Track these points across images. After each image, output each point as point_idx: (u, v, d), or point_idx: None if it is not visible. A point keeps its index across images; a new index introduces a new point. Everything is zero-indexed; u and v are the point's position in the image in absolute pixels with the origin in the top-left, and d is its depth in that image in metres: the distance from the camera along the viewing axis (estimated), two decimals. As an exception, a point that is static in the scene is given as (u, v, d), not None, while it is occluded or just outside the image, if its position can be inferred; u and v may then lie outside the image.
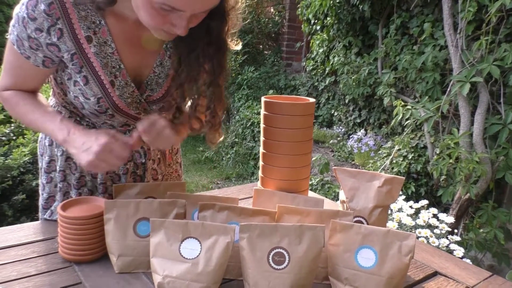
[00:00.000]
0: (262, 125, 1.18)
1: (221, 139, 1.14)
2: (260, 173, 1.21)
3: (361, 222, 1.09)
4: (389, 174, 1.12)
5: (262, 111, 1.17)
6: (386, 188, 1.10)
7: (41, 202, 1.17)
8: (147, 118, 0.95)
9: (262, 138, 1.18)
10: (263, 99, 1.16)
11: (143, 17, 0.83)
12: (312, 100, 1.18)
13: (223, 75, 1.01)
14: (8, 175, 1.79)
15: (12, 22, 0.90)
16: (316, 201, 1.09)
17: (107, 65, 0.95)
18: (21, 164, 1.84)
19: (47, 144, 1.14)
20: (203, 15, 0.85)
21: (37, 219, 1.21)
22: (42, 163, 1.15)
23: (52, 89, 1.09)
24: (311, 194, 1.33)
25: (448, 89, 2.56)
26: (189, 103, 1.08)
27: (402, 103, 2.66)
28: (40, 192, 1.18)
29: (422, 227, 2.00)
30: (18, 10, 0.87)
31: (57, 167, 1.12)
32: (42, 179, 1.16)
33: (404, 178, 1.12)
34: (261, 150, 1.20)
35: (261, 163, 1.21)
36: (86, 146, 0.88)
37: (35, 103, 1.00)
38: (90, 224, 0.95)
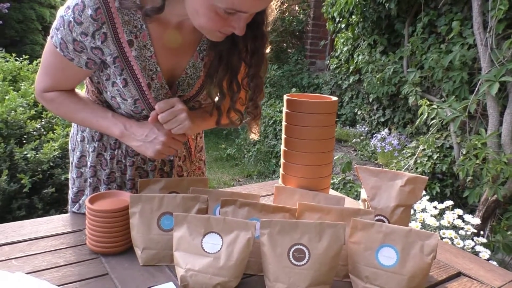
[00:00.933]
0: (284, 123, 1.18)
1: (259, 133, 1.16)
2: (281, 170, 1.22)
3: (383, 221, 1.08)
4: (412, 174, 1.11)
5: (284, 109, 1.17)
6: (409, 188, 1.09)
7: (70, 195, 1.21)
8: (166, 100, 0.99)
9: (284, 136, 1.19)
10: (285, 97, 1.17)
11: (202, 22, 0.85)
12: (334, 98, 1.17)
13: (264, 67, 1.03)
14: (39, 169, 1.86)
15: (55, 25, 0.91)
16: (337, 199, 1.09)
17: (145, 68, 0.98)
18: (51, 158, 1.91)
19: (79, 140, 1.18)
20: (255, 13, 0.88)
21: (65, 212, 1.26)
22: (73, 158, 1.19)
23: (86, 87, 1.13)
24: (332, 192, 1.33)
25: (476, 89, 2.50)
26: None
27: (428, 102, 2.61)
28: (70, 186, 1.22)
29: (447, 228, 1.96)
30: (64, 13, 0.89)
31: (88, 163, 1.15)
32: (72, 174, 1.20)
33: (427, 177, 1.11)
34: (283, 147, 1.20)
35: (282, 160, 1.21)
36: (150, 138, 0.98)
37: (82, 101, 1.04)
38: (116, 217, 0.98)
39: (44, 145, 1.92)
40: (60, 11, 0.90)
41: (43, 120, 2.15)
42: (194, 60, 1.05)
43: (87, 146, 1.15)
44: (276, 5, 1.01)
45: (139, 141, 0.99)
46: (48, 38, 0.96)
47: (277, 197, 1.12)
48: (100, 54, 0.93)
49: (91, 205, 0.98)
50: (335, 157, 3.28)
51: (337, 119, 4.78)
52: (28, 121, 2.03)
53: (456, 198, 2.80)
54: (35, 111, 2.15)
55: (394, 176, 1.10)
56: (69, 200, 1.22)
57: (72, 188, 1.20)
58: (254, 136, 1.16)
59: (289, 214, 0.98)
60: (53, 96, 1.03)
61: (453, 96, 2.67)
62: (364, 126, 4.28)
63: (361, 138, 4.01)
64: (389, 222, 1.08)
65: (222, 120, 1.09)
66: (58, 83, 1.02)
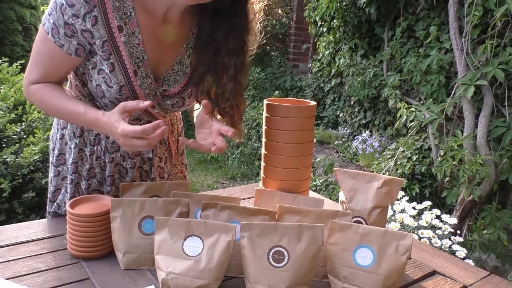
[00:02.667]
0: (264, 127, 1.21)
1: (242, 137, 1.18)
2: (262, 173, 1.24)
3: (360, 222, 1.11)
4: (388, 176, 1.14)
5: (264, 113, 1.20)
6: (385, 189, 1.12)
7: (48, 195, 1.22)
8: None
9: (264, 140, 1.21)
10: (265, 101, 1.19)
11: None
12: (313, 103, 1.20)
13: (243, 73, 1.08)
14: (19, 173, 1.84)
15: (48, 11, 0.94)
16: (316, 202, 1.11)
17: (133, 55, 1.00)
18: (31, 162, 1.88)
19: (58, 138, 1.19)
20: None
21: (46, 216, 1.26)
22: (53, 157, 1.20)
23: (69, 82, 1.14)
24: (312, 194, 1.35)
25: (453, 92, 2.57)
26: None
27: (406, 105, 2.67)
28: (48, 186, 1.22)
29: (425, 228, 2.01)
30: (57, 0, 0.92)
31: (70, 159, 1.16)
32: (51, 173, 1.21)
33: (403, 179, 1.15)
34: (263, 151, 1.22)
35: (263, 164, 1.24)
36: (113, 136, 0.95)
37: (64, 94, 1.04)
38: (97, 221, 0.99)
39: (25, 149, 1.90)
40: None
41: (23, 123, 2.12)
42: (181, 57, 1.08)
43: (69, 142, 1.16)
44: (259, 17, 1.06)
45: (109, 133, 0.97)
46: (40, 26, 0.98)
47: (257, 200, 1.14)
48: (89, 38, 0.95)
49: (72, 209, 0.98)
50: (317, 159, 3.32)
51: (320, 121, 4.83)
52: (8, 124, 2.01)
53: (435, 198, 2.87)
54: (15, 114, 2.13)
55: (371, 178, 1.13)
56: (48, 200, 1.22)
57: (50, 187, 1.21)
58: (236, 133, 1.18)
59: (269, 217, 1.00)
60: (36, 88, 1.03)
61: (431, 99, 2.74)
62: (346, 128, 4.34)
63: (343, 140, 4.07)
64: (366, 223, 1.11)
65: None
66: (46, 73, 1.02)
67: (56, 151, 1.18)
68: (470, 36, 2.51)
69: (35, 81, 1.03)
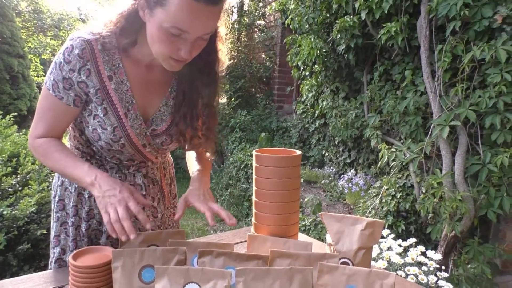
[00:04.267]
0: (254, 176, 1.30)
1: (213, 157, 1.38)
2: (253, 219, 1.32)
3: (347, 263, 1.19)
4: (370, 218, 1.23)
5: (254, 163, 1.29)
6: (368, 231, 1.20)
7: (51, 242, 1.29)
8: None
9: (254, 188, 1.30)
10: (254, 152, 1.29)
11: (157, 47, 1.03)
12: (298, 152, 1.30)
13: (216, 99, 1.26)
14: (14, 225, 1.87)
15: (49, 71, 1.10)
16: (305, 245, 1.19)
17: (123, 100, 1.14)
18: (27, 214, 1.93)
19: (59, 185, 1.28)
20: (203, 43, 1.06)
21: (41, 268, 1.30)
22: (54, 204, 1.28)
23: (69, 134, 1.26)
24: (301, 237, 1.43)
25: (430, 132, 2.72)
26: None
27: (387, 146, 2.81)
28: (50, 232, 1.29)
29: (411, 264, 2.08)
30: (56, 58, 1.09)
31: (70, 203, 1.25)
32: (52, 219, 1.28)
33: (383, 221, 1.24)
34: (254, 198, 1.31)
35: (254, 210, 1.32)
36: (109, 193, 1.04)
37: (64, 151, 1.15)
38: (99, 272, 1.04)
39: (21, 201, 1.94)
40: (55, 58, 1.10)
41: (18, 176, 2.18)
42: (167, 99, 1.23)
43: (69, 187, 1.26)
44: (235, 61, 1.24)
45: (100, 192, 1.05)
46: (43, 85, 1.12)
47: (250, 245, 1.21)
48: (85, 87, 1.10)
49: (74, 261, 1.04)
50: (305, 199, 3.40)
51: (306, 161, 4.94)
52: (4, 177, 2.06)
53: (420, 234, 2.95)
54: (11, 167, 2.18)
55: (355, 221, 1.22)
56: (50, 249, 1.28)
57: (51, 233, 1.29)
58: (209, 156, 1.37)
59: (262, 261, 1.07)
60: (40, 143, 1.14)
61: (410, 140, 2.88)
62: (332, 167, 4.45)
63: (330, 179, 4.17)
64: (353, 264, 1.18)
65: (188, 146, 1.30)
66: (49, 127, 1.14)
67: (56, 198, 1.27)
68: (442, 80, 2.69)
69: (40, 136, 1.15)
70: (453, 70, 2.70)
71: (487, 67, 2.46)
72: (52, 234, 1.29)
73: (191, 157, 1.42)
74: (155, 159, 1.31)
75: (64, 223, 1.28)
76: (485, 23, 2.46)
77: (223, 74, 1.27)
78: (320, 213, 1.28)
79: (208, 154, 1.38)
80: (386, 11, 2.98)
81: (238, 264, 1.06)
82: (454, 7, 2.52)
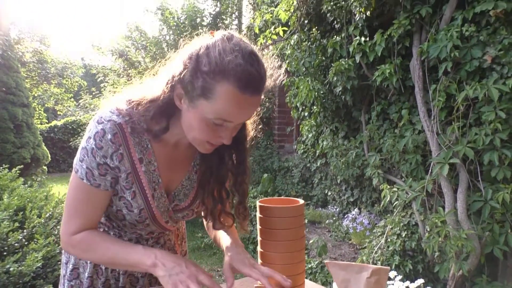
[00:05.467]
0: (258, 226, 1.32)
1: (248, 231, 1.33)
2: (260, 270, 1.33)
3: (355, 313, 1.19)
4: (376, 265, 1.24)
5: (258, 214, 1.31)
6: (374, 278, 1.21)
7: None
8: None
9: (259, 238, 1.32)
10: (257, 203, 1.31)
11: (196, 134, 1.01)
12: (301, 201, 1.33)
13: (248, 175, 1.21)
14: (20, 282, 1.86)
15: (78, 158, 1.04)
16: (314, 296, 1.19)
17: (150, 181, 1.11)
18: (34, 270, 1.93)
19: None
20: (239, 126, 1.06)
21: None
22: (66, 271, 1.27)
23: None
24: (308, 283, 1.43)
25: (430, 170, 2.75)
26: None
27: (388, 186, 2.83)
28: None
29: (421, 308, 2.05)
30: (85, 144, 1.02)
31: (86, 273, 1.22)
32: (63, 286, 1.27)
33: (389, 268, 1.25)
34: (259, 249, 1.32)
35: (259, 261, 1.33)
36: (175, 270, 0.99)
37: (109, 239, 1.10)
38: None
39: (27, 256, 1.95)
40: (82, 144, 1.04)
41: (24, 230, 2.20)
42: (189, 174, 1.21)
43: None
44: (253, 127, 1.22)
45: (165, 271, 1.00)
46: (72, 175, 1.07)
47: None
48: (117, 172, 1.06)
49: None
50: (311, 241, 3.38)
51: (309, 201, 4.94)
52: (10, 233, 2.08)
53: (428, 273, 2.91)
54: (17, 221, 2.21)
55: (360, 269, 1.23)
56: None
57: None
58: (244, 232, 1.31)
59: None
60: (82, 237, 1.08)
61: (410, 178, 2.91)
62: (335, 207, 4.45)
63: (334, 218, 4.16)
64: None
65: (217, 224, 1.25)
66: (87, 219, 1.09)
67: (70, 266, 1.25)
68: (438, 118, 2.75)
69: (78, 230, 1.08)
70: (448, 108, 2.77)
71: (481, 105, 2.53)
72: None
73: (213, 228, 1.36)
74: (173, 228, 1.29)
75: None
76: (476, 64, 2.56)
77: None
78: (325, 261, 1.30)
79: (243, 231, 1.31)
80: (379, 54, 3.09)
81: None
82: (445, 49, 2.62)
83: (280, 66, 1.15)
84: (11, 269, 1.84)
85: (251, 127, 1.21)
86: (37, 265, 1.91)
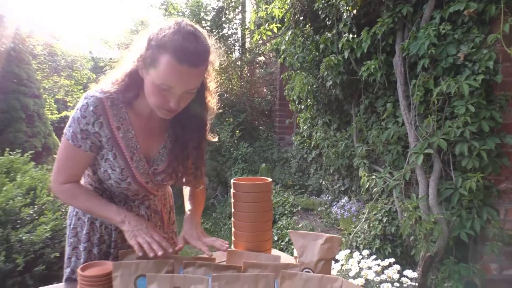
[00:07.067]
0: (232, 200, 1.55)
1: (202, 186, 1.62)
2: (232, 237, 1.56)
3: (309, 272, 1.42)
4: (330, 234, 1.46)
5: (232, 190, 1.55)
6: (327, 245, 1.43)
7: (65, 261, 1.54)
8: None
9: (232, 210, 1.55)
10: (232, 180, 1.55)
11: (152, 99, 1.26)
12: (269, 180, 1.56)
13: (203, 142, 1.50)
14: (31, 249, 2.13)
15: (68, 124, 1.32)
16: (274, 258, 1.42)
17: (129, 146, 1.38)
18: (43, 239, 2.19)
19: (73, 215, 1.53)
20: (189, 96, 1.29)
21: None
22: (69, 231, 1.53)
23: (84, 174, 1.50)
24: (274, 252, 1.66)
25: (407, 160, 2.95)
26: None
27: (367, 174, 3.05)
28: (65, 254, 1.55)
29: (388, 282, 2.27)
30: (74, 114, 1.31)
31: (83, 231, 1.50)
32: (67, 243, 1.54)
33: (341, 237, 1.47)
34: (233, 219, 1.56)
35: (233, 229, 1.56)
36: (137, 228, 1.31)
37: (92, 195, 1.41)
38: (102, 281, 1.28)
39: (38, 228, 2.21)
40: (72, 114, 1.33)
41: (35, 206, 2.46)
42: (165, 143, 1.48)
43: (82, 217, 1.51)
44: (214, 90, 1.47)
45: (129, 227, 1.31)
46: (62, 138, 1.36)
47: (229, 259, 1.44)
48: (98, 137, 1.33)
49: (83, 272, 1.29)
50: (299, 225, 3.61)
51: (304, 190, 5.17)
52: (23, 208, 2.34)
53: (407, 257, 3.13)
54: (29, 198, 2.47)
55: (316, 237, 1.45)
56: (64, 265, 1.54)
57: (65, 255, 1.54)
58: (196, 189, 1.62)
59: (236, 271, 1.30)
60: (69, 187, 1.38)
61: (388, 167, 3.12)
62: (328, 195, 4.67)
63: (326, 206, 4.38)
64: (314, 273, 1.41)
65: (179, 183, 1.55)
66: (72, 172, 1.38)
67: (71, 226, 1.52)
68: (417, 112, 2.94)
69: (64, 181, 1.38)
70: (426, 102, 2.96)
71: (455, 100, 2.72)
72: (66, 256, 1.54)
73: (185, 195, 1.67)
74: (157, 192, 1.56)
75: (75, 248, 1.52)
76: (450, 60, 2.74)
77: (225, 109, 1.55)
78: (288, 231, 1.52)
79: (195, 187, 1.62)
80: (365, 50, 3.28)
81: (216, 273, 1.29)
82: (423, 46, 2.81)
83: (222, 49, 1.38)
84: (23, 238, 2.11)
85: (214, 104, 1.48)
86: (46, 235, 2.18)
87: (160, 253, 1.27)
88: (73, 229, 1.53)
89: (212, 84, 1.44)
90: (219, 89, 1.49)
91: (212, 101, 1.46)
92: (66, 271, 1.53)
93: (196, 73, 1.23)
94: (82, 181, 1.51)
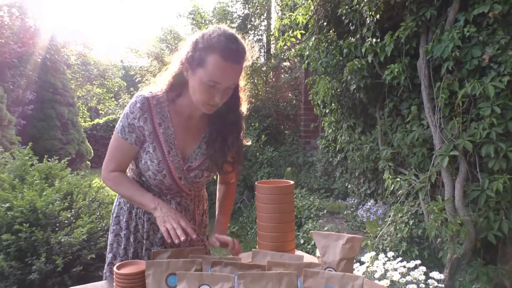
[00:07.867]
0: (256, 203, 1.62)
1: (233, 180, 1.80)
2: (257, 239, 1.64)
3: (332, 271, 1.47)
4: (351, 235, 1.51)
5: (256, 193, 1.62)
6: (349, 245, 1.48)
7: (108, 247, 1.69)
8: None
9: (257, 212, 1.62)
10: (256, 183, 1.62)
11: (198, 96, 1.41)
12: (291, 182, 1.63)
13: (241, 137, 1.63)
14: (69, 251, 2.27)
15: (119, 120, 1.51)
16: (297, 257, 1.48)
17: (167, 141, 1.52)
18: (80, 242, 2.33)
19: (117, 204, 1.68)
20: (230, 91, 1.44)
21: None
22: (112, 220, 1.68)
23: (129, 167, 1.66)
24: (297, 252, 1.72)
25: (432, 162, 2.95)
26: None
27: (391, 176, 3.05)
28: (108, 241, 1.69)
29: (414, 283, 2.29)
30: (125, 110, 1.50)
31: (124, 219, 1.64)
32: (110, 231, 1.68)
33: (362, 237, 1.52)
34: (258, 221, 1.63)
35: (258, 231, 1.63)
36: (167, 215, 1.44)
37: (133, 183, 1.57)
38: (136, 279, 1.38)
39: (75, 230, 2.36)
40: (123, 111, 1.52)
41: (72, 210, 2.61)
42: (200, 143, 1.61)
43: (124, 207, 1.65)
44: (246, 96, 1.61)
45: (161, 213, 1.45)
46: (114, 132, 1.54)
47: (253, 259, 1.52)
48: (142, 130, 1.50)
49: (118, 270, 1.39)
50: (325, 228, 3.64)
51: (330, 194, 5.18)
52: (61, 211, 2.49)
53: (434, 259, 3.11)
54: (67, 202, 2.62)
55: (338, 237, 1.50)
56: (107, 250, 1.70)
57: (108, 241, 1.68)
58: (234, 180, 1.80)
59: (260, 269, 1.38)
60: (114, 176, 1.55)
61: (413, 169, 3.11)
62: (354, 199, 4.67)
63: (352, 209, 4.39)
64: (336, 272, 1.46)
65: (221, 173, 1.69)
66: (119, 161, 1.55)
67: (114, 215, 1.68)
68: (442, 114, 2.94)
69: (112, 169, 1.55)
70: (451, 105, 2.95)
71: (480, 101, 2.70)
72: (108, 243, 1.68)
73: (217, 202, 1.81)
74: (188, 191, 1.66)
75: (117, 235, 1.66)
76: (475, 62, 2.73)
77: (251, 114, 1.68)
78: (311, 231, 1.58)
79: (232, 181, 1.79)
80: (389, 54, 3.30)
81: (242, 271, 1.36)
82: (447, 49, 2.81)
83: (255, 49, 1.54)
84: (62, 240, 2.25)
85: (245, 100, 1.62)
86: (83, 237, 2.32)
87: (183, 238, 1.40)
88: (116, 217, 1.67)
89: (242, 82, 1.58)
90: (246, 92, 1.62)
91: (243, 97, 1.60)
92: (108, 256, 1.67)
93: (238, 69, 1.41)
94: (128, 174, 1.67)
